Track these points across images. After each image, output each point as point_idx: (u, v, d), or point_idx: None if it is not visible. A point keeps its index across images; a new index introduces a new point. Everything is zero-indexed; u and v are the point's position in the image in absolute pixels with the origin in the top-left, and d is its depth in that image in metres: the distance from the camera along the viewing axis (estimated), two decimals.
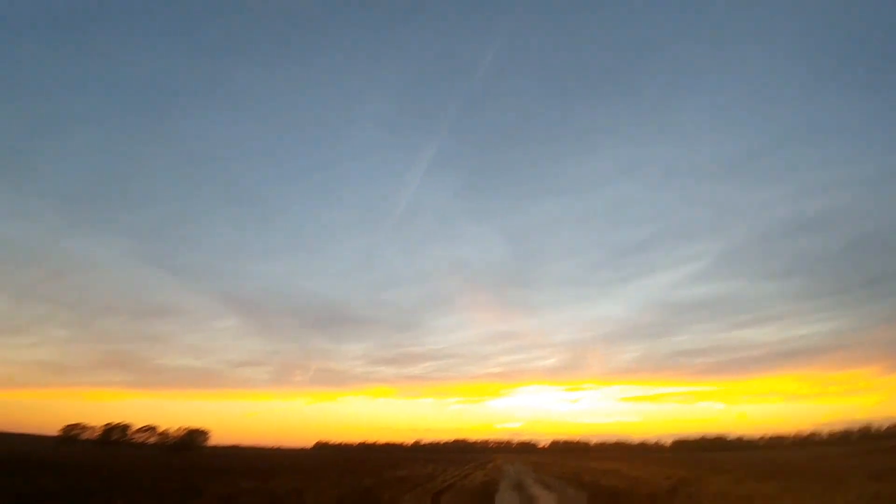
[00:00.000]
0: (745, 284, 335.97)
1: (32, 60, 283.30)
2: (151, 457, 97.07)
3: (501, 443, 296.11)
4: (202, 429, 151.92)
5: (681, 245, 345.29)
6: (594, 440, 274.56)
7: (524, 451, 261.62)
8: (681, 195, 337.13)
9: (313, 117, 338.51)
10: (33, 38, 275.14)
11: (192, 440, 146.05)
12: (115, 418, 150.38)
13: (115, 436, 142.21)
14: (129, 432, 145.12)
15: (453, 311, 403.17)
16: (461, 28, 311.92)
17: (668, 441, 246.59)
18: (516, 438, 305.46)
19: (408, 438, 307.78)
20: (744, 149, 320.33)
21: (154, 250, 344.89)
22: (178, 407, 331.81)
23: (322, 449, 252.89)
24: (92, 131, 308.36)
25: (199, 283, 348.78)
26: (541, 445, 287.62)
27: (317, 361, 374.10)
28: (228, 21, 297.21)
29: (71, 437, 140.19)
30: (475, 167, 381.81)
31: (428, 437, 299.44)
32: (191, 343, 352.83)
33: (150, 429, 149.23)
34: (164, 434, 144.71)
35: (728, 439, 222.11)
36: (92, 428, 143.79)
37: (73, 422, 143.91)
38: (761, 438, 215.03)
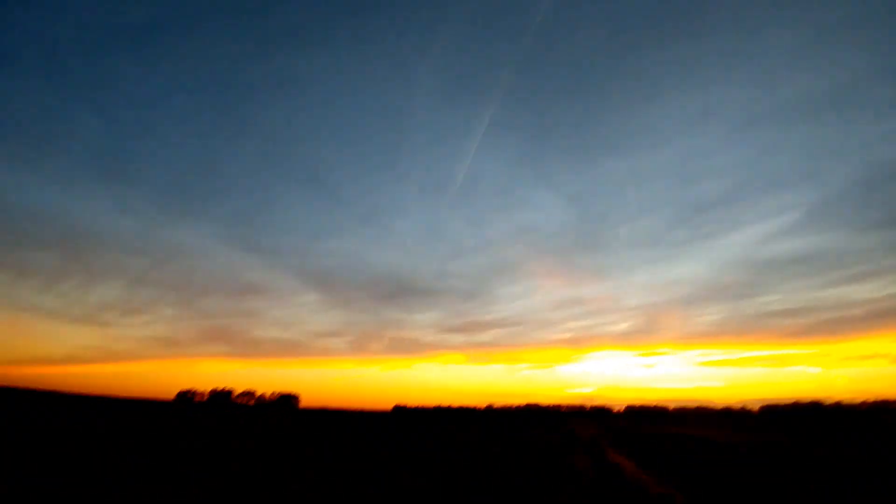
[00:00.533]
0: (842, 237, 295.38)
1: (125, 70, 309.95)
2: (261, 416, 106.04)
3: (574, 407, 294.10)
4: (294, 393, 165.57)
5: (767, 197, 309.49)
6: (672, 405, 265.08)
7: (598, 416, 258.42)
8: (764, 142, 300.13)
9: (372, 98, 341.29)
10: (124, 50, 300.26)
11: (286, 403, 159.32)
12: (220, 384, 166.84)
13: (220, 399, 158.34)
14: (232, 396, 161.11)
15: (520, 279, 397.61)
16: None
17: (756, 407, 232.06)
18: (589, 403, 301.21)
19: (480, 403, 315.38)
20: (837, 83, 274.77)
21: (240, 234, 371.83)
22: (271, 374, 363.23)
23: (400, 412, 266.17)
24: (181, 131, 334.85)
25: (282, 263, 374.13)
26: (615, 410, 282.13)
27: (390, 331, 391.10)
28: (287, 16, 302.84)
29: (185, 400, 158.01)
30: (534, 130, 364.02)
31: (500, 402, 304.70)
32: (278, 317, 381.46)
33: (249, 393, 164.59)
34: (261, 397, 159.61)
35: (825, 405, 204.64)
36: (201, 393, 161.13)
37: (185, 388, 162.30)
38: (862, 404, 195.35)
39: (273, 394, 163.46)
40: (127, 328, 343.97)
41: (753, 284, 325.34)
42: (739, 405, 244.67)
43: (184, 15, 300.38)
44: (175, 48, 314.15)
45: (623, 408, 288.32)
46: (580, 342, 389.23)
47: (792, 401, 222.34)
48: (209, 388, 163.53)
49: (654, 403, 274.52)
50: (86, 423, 49.34)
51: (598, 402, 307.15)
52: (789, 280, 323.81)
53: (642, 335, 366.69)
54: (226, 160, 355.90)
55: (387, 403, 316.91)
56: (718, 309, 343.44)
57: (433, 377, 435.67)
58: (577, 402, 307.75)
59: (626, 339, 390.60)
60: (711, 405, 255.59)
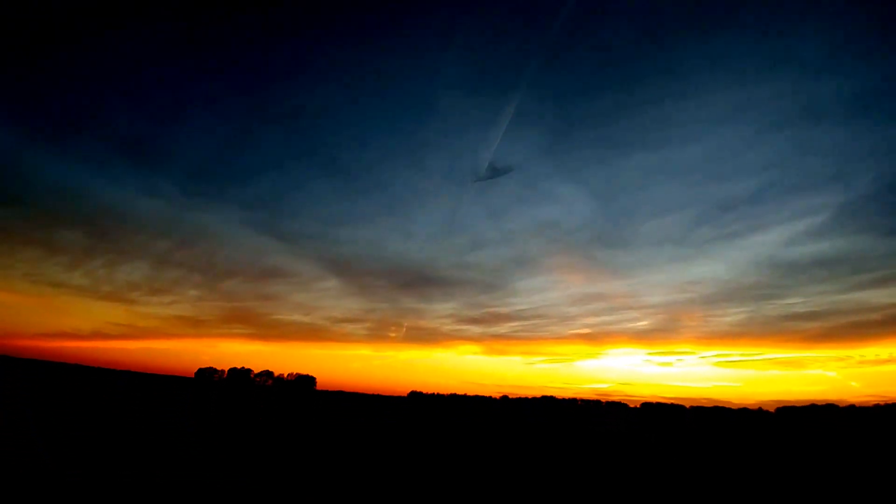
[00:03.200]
0: (869, 240, 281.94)
1: (150, 54, 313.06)
2: (275, 394, 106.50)
3: (590, 401, 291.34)
4: (310, 375, 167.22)
5: (795, 198, 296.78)
6: (689, 404, 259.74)
7: (613, 411, 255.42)
8: (794, 141, 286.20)
9: (395, 87, 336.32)
10: (148, 33, 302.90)
11: (303, 384, 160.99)
12: (238, 363, 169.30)
13: (239, 377, 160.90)
14: (251, 375, 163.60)
15: (539, 273, 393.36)
16: None
17: (772, 408, 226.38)
18: (605, 398, 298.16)
19: (495, 392, 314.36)
20: (870, 85, 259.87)
21: (262, 219, 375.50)
22: (290, 355, 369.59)
23: (416, 397, 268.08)
24: (204, 115, 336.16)
25: (303, 248, 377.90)
26: (631, 405, 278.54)
27: (408, 319, 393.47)
28: (311, 2, 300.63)
29: (205, 377, 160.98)
30: (558, 123, 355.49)
31: (515, 393, 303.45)
32: (299, 301, 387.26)
33: (267, 373, 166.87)
34: (279, 377, 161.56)
35: (840, 407, 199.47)
36: (220, 371, 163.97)
37: (206, 366, 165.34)
38: (875, 407, 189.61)
39: (291, 374, 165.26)
40: (152, 307, 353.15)
41: (776, 286, 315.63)
42: (756, 406, 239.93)
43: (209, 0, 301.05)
44: (201, 30, 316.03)
45: (639, 404, 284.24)
46: (598, 338, 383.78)
47: (808, 402, 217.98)
48: (228, 367, 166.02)
49: (670, 401, 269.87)
50: (114, 396, 49.22)
51: (614, 397, 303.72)
52: (812, 283, 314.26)
53: (661, 333, 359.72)
54: (250, 145, 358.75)
55: (403, 389, 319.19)
56: (739, 310, 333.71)
57: (449, 366, 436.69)
58: (592, 396, 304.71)
59: (644, 337, 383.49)
60: (729, 404, 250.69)
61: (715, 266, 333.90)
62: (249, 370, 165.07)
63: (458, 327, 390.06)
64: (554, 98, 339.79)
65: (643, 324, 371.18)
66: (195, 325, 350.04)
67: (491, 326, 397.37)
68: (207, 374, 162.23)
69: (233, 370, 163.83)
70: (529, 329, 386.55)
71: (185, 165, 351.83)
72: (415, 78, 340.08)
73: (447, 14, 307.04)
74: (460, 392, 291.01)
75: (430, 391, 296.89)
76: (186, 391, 76.47)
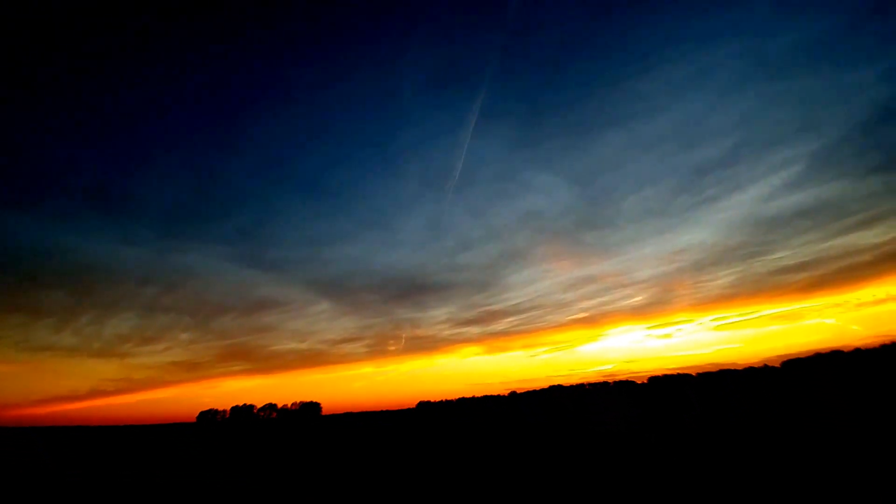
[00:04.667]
0: (846, 184, 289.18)
1: (112, 97, 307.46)
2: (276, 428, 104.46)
3: (598, 384, 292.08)
4: (316, 401, 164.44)
5: (767, 153, 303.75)
6: (694, 371, 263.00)
7: (622, 390, 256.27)
8: (759, 98, 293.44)
9: (360, 100, 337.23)
10: (108, 74, 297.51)
11: (308, 411, 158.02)
12: (241, 401, 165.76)
13: (242, 414, 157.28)
14: (254, 410, 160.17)
15: (529, 264, 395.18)
16: None
17: (777, 363, 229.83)
18: (612, 379, 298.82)
19: (502, 390, 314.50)
20: (825, 30, 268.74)
21: (246, 251, 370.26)
22: (292, 385, 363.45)
23: (425, 407, 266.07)
24: (175, 155, 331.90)
25: (290, 275, 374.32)
26: (639, 382, 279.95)
27: (406, 330, 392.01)
28: (267, 26, 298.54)
29: (207, 419, 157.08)
30: (526, 113, 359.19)
31: (523, 387, 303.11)
32: (294, 329, 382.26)
33: (270, 406, 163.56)
34: (283, 409, 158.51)
35: (845, 352, 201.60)
36: (223, 411, 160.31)
37: (207, 408, 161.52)
38: (882, 347, 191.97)
39: (295, 404, 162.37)
40: (146, 356, 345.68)
41: (761, 243, 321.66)
42: (761, 363, 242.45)
43: (159, 35, 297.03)
44: (154, 69, 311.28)
45: (646, 379, 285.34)
46: (596, 320, 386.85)
47: (812, 352, 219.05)
48: (230, 406, 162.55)
49: (676, 372, 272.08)
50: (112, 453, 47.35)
51: (620, 376, 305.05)
52: (797, 234, 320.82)
53: (657, 306, 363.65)
54: (223, 178, 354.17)
55: (411, 401, 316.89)
56: (729, 271, 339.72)
57: (453, 370, 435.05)
58: (600, 378, 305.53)
59: (641, 313, 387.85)
60: (734, 366, 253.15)
61: (699, 232, 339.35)
62: (252, 406, 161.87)
63: (456, 330, 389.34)
64: (517, 91, 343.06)
65: (638, 299, 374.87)
66: (192, 369, 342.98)
67: (489, 325, 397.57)
68: (209, 416, 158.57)
69: (235, 408, 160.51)
70: (527, 322, 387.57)
71: (159, 209, 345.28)
72: (380, 89, 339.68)
73: (403, 22, 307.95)
74: (468, 395, 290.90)
75: (438, 399, 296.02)
76: (188, 438, 74.43)
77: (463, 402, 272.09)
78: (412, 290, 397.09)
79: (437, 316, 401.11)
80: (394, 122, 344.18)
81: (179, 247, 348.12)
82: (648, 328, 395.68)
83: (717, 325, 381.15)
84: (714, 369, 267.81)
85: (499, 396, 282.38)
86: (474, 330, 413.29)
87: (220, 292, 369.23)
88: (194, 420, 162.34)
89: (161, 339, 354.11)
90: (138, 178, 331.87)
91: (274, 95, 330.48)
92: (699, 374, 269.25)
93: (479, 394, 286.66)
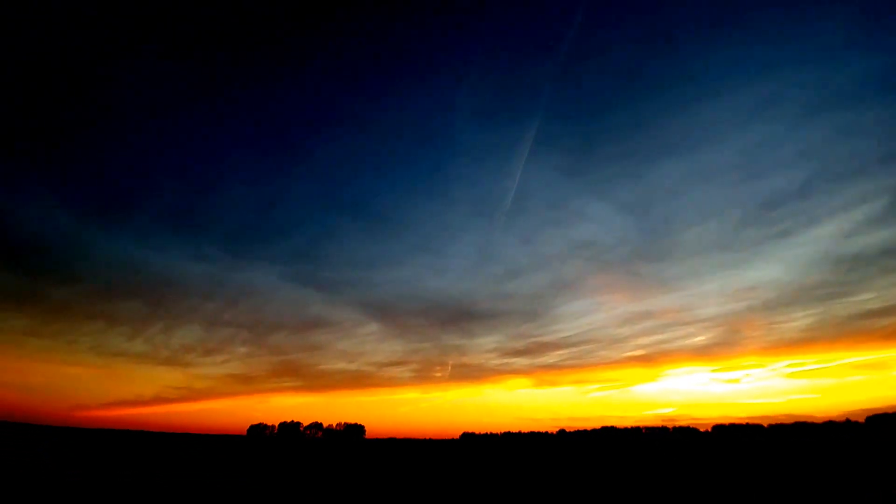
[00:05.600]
0: None
1: (192, 129, 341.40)
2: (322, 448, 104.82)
3: (655, 429, 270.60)
4: (360, 423, 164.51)
5: (844, 186, 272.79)
6: (767, 422, 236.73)
7: (683, 438, 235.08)
8: (833, 127, 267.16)
9: (415, 127, 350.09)
10: (189, 110, 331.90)
11: (352, 433, 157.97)
12: (289, 417, 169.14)
13: (289, 431, 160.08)
14: (300, 428, 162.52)
15: (581, 295, 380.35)
16: None
17: (861, 417, 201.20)
18: (671, 424, 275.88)
19: (551, 427, 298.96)
20: None
21: (301, 271, 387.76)
22: (338, 405, 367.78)
23: (469, 439, 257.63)
24: (243, 180, 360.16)
25: (341, 296, 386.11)
26: (701, 430, 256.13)
27: (452, 357, 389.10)
28: (324, 58, 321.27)
29: (256, 433, 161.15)
30: (581, 141, 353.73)
31: (573, 426, 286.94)
32: (343, 349, 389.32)
33: (316, 425, 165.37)
34: (328, 428, 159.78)
35: None
36: (271, 426, 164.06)
37: (257, 421, 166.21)
38: None
39: (339, 424, 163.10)
40: (206, 367, 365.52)
41: (843, 283, 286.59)
42: (842, 417, 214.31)
43: (233, 75, 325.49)
44: (229, 105, 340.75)
45: (710, 427, 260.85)
46: (654, 359, 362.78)
47: None
48: (279, 422, 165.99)
49: (744, 421, 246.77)
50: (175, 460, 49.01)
51: (681, 422, 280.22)
52: (883, 275, 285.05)
53: (722, 347, 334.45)
54: (284, 202, 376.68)
55: (454, 431, 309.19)
56: (806, 313, 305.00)
57: (500, 402, 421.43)
58: (657, 423, 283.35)
59: (704, 353, 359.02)
60: (810, 418, 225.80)
61: (770, 268, 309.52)
62: (299, 423, 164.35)
63: (504, 361, 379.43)
64: (572, 117, 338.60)
65: (701, 339, 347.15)
66: (246, 382, 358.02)
67: (538, 357, 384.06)
68: (259, 430, 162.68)
69: (283, 424, 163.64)
70: (579, 356, 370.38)
71: (226, 229, 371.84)
72: (434, 117, 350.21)
73: (459, 49, 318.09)
74: (514, 429, 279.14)
75: (482, 431, 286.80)
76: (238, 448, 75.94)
77: (509, 436, 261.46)
78: (460, 316, 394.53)
79: (485, 344, 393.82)
80: (446, 150, 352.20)
81: (241, 265, 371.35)
82: (713, 371, 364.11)
83: (792, 373, 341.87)
84: (788, 421, 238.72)
85: (547, 434, 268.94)
86: (523, 361, 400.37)
87: (275, 309, 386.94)
88: (244, 433, 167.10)
89: (221, 351, 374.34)
90: (210, 200, 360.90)
91: (331, 124, 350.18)
92: (770, 426, 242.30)
93: (525, 429, 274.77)
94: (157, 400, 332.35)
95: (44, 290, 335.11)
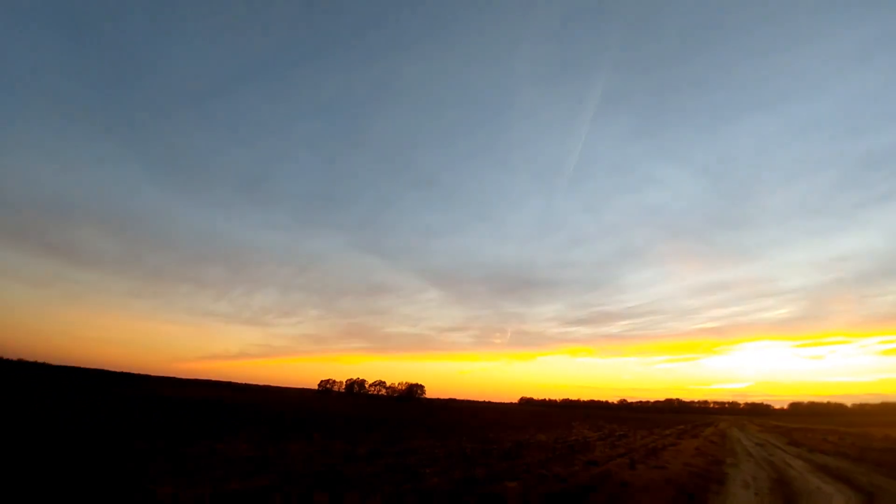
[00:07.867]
0: None
1: (259, 105, 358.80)
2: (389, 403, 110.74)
3: (724, 404, 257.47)
4: (419, 384, 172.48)
5: None
6: (850, 402, 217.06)
7: (755, 413, 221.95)
8: None
9: (474, 94, 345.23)
10: (256, 88, 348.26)
11: (412, 392, 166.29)
12: (355, 375, 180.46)
13: (355, 388, 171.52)
14: (366, 385, 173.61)
15: (649, 264, 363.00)
16: None
17: None
18: (743, 400, 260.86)
19: (612, 397, 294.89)
20: None
21: (365, 239, 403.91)
22: (401, 366, 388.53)
23: (527, 404, 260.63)
24: (308, 151, 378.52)
25: (404, 263, 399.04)
26: (776, 407, 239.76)
27: (512, 324, 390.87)
28: (384, 28, 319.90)
29: (326, 389, 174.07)
30: (651, 96, 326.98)
31: (635, 396, 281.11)
32: (406, 314, 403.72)
33: (380, 383, 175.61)
34: (391, 387, 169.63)
35: None
36: (340, 382, 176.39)
37: (327, 378, 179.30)
38: None
39: (402, 383, 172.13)
40: (283, 327, 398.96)
41: None
42: None
43: (298, 51, 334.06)
44: (295, 80, 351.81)
45: (786, 405, 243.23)
46: (728, 332, 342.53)
47: None
48: (346, 379, 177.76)
49: (826, 400, 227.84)
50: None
51: (754, 398, 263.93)
52: None
53: (807, 322, 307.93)
54: (349, 172, 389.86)
55: (513, 396, 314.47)
56: None
57: (559, 370, 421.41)
58: (728, 398, 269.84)
59: (785, 328, 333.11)
60: None
61: (868, 236, 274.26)
62: (364, 381, 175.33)
63: (564, 329, 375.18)
64: (643, 70, 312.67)
65: (782, 312, 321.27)
66: (318, 342, 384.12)
67: (601, 326, 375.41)
68: (328, 384, 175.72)
69: (350, 381, 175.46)
70: (644, 327, 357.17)
71: (295, 199, 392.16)
72: (492, 83, 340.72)
73: (514, 14, 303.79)
74: (573, 397, 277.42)
75: (540, 398, 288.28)
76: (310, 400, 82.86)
77: (567, 403, 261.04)
78: (519, 284, 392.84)
79: (545, 313, 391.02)
80: (506, 116, 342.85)
81: (310, 233, 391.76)
82: (794, 346, 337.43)
83: (884, 350, 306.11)
84: (876, 401, 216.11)
85: (607, 403, 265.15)
86: (584, 330, 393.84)
87: (342, 275, 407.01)
88: (316, 387, 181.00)
89: (295, 314, 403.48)
90: (281, 171, 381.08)
91: (392, 93, 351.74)
92: (855, 406, 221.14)
93: (585, 398, 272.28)
94: (242, 355, 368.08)
95: (141, 257, 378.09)
